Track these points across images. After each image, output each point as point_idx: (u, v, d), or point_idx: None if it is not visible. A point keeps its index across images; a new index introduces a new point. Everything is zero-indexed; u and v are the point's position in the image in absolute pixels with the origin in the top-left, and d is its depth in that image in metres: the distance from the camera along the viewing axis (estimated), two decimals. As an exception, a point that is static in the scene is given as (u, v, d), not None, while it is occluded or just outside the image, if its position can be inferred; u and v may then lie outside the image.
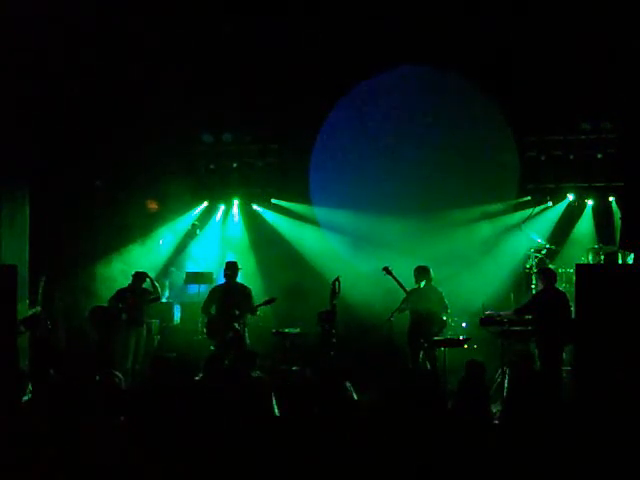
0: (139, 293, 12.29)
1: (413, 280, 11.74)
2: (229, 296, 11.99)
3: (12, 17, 11.49)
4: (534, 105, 13.31)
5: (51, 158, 13.74)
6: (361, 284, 13.17)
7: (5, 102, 12.35)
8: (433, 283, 11.73)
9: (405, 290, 11.62)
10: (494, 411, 9.36)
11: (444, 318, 11.56)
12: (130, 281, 12.40)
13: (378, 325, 11.85)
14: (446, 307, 11.60)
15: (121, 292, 12.29)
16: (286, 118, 14.19)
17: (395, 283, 11.71)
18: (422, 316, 11.43)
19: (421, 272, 11.69)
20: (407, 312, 11.65)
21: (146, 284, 12.58)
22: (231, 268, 12.26)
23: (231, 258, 13.33)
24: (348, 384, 7.90)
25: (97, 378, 8.44)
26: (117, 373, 8.74)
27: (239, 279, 12.42)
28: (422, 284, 11.65)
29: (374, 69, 14.01)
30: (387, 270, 11.82)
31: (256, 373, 8.51)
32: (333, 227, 14.68)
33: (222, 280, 12.64)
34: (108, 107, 13.58)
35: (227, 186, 15.37)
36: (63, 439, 6.86)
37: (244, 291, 12.12)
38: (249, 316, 11.95)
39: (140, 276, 12.41)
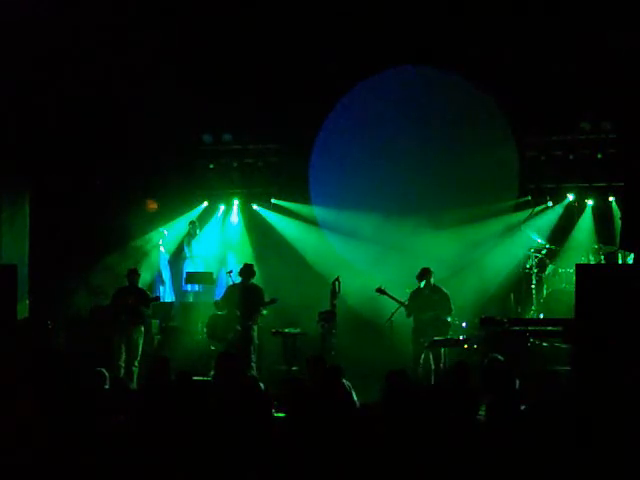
0: (137, 292, 12.26)
1: (413, 280, 11.70)
2: (248, 295, 12.06)
3: (12, 18, 11.51)
4: (534, 105, 13.32)
5: (51, 158, 13.76)
6: (361, 284, 13.16)
7: (5, 103, 12.38)
8: (438, 283, 11.68)
9: (402, 304, 11.52)
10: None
11: (448, 320, 11.49)
12: (127, 281, 12.36)
13: (378, 325, 11.83)
14: (451, 310, 11.51)
15: (121, 291, 12.27)
16: (286, 118, 14.19)
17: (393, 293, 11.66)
18: (427, 323, 11.35)
19: (423, 273, 11.60)
20: (408, 312, 11.59)
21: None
22: (244, 270, 12.33)
23: (231, 258, 13.29)
24: (348, 384, 7.89)
25: (97, 378, 8.44)
26: (117, 372, 8.77)
27: (238, 278, 12.40)
28: (422, 284, 11.58)
29: (374, 69, 14.03)
30: (381, 290, 11.72)
31: (252, 372, 8.51)
32: (333, 227, 14.67)
33: (223, 279, 12.64)
34: (108, 107, 13.60)
35: (227, 186, 15.39)
36: (63, 439, 6.87)
37: (259, 291, 12.24)
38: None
39: (134, 273, 12.37)
